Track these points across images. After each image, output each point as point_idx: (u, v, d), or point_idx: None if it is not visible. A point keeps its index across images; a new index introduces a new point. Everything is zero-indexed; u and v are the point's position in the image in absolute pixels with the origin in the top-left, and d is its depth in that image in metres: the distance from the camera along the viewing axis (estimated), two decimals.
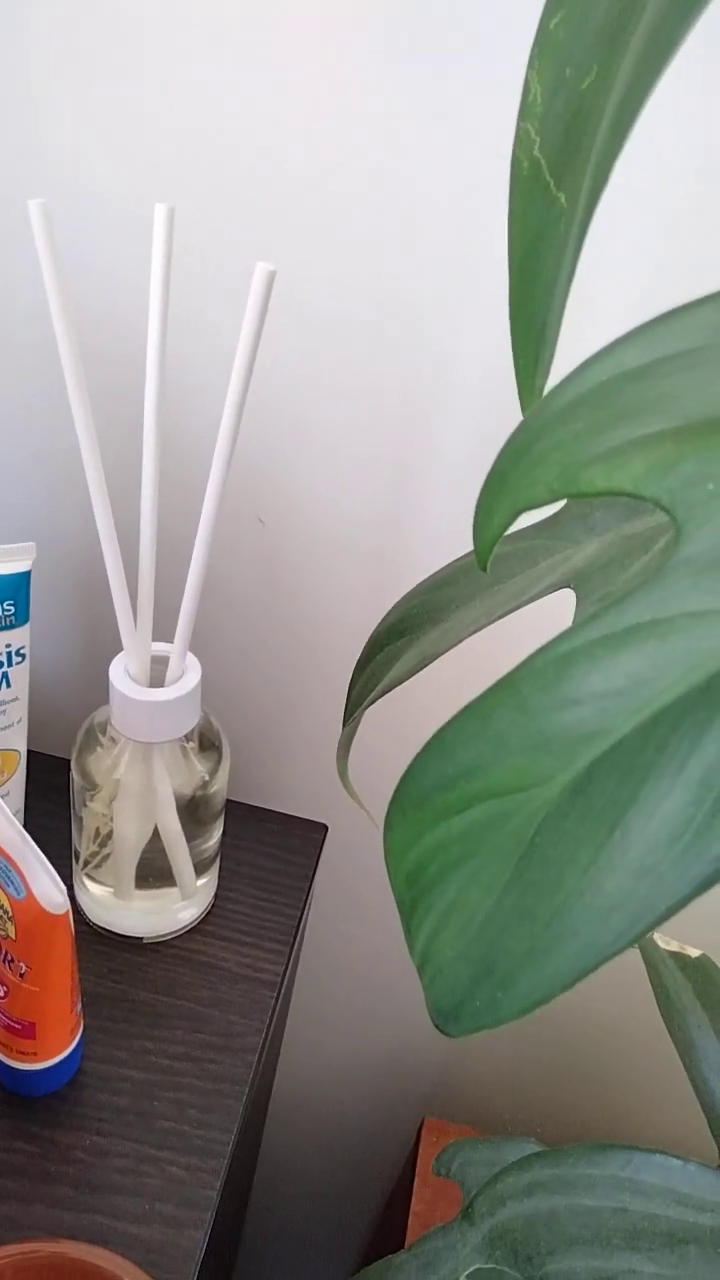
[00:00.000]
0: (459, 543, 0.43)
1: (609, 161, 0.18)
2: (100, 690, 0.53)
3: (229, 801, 0.52)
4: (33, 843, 0.31)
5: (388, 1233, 0.72)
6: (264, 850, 0.49)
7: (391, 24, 0.33)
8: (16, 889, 0.31)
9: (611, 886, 0.14)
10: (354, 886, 0.59)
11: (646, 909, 0.14)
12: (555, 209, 0.21)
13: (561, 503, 0.33)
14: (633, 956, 0.45)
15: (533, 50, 0.20)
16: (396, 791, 0.20)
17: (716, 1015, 0.43)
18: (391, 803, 0.20)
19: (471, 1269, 0.25)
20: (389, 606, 0.35)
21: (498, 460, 0.18)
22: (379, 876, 0.57)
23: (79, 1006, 0.36)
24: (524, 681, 0.16)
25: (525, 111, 0.21)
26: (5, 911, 0.32)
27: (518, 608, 0.31)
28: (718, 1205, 0.23)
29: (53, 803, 0.49)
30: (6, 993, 0.33)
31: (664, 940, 0.47)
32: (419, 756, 0.19)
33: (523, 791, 0.17)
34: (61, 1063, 0.36)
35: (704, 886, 0.13)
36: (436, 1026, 0.19)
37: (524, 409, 0.24)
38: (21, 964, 0.32)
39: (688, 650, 0.14)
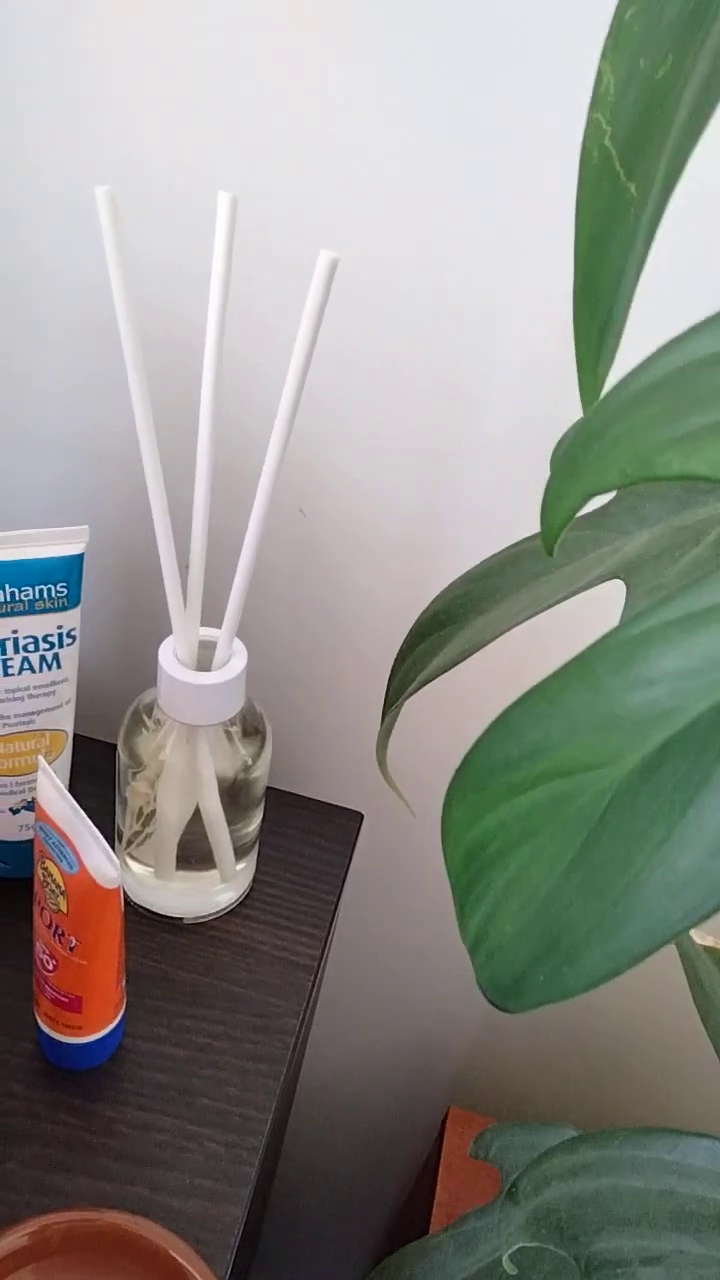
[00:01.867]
0: (499, 532, 0.43)
1: (685, 152, 0.18)
2: (137, 676, 0.54)
3: (268, 788, 0.53)
4: (86, 817, 0.31)
5: (408, 1222, 0.73)
6: (302, 837, 0.50)
7: (444, 31, 0.33)
8: (69, 863, 0.31)
9: (684, 864, 0.15)
10: (381, 876, 0.59)
11: (719, 887, 0.14)
12: (625, 199, 0.21)
13: (611, 494, 0.33)
14: (664, 950, 0.45)
15: (606, 41, 0.20)
16: (458, 772, 0.20)
17: None
18: (452, 783, 0.20)
19: (515, 1247, 0.25)
20: (429, 596, 0.35)
21: (569, 445, 0.18)
22: (408, 866, 0.58)
23: (124, 982, 0.37)
24: (597, 662, 0.17)
25: (597, 102, 0.21)
26: (58, 886, 0.32)
27: (566, 598, 0.31)
28: None
29: (93, 784, 0.49)
30: (56, 966, 0.34)
31: (699, 935, 0.47)
32: (483, 737, 0.19)
33: (592, 770, 0.17)
34: (105, 1037, 0.37)
35: None
36: (493, 1003, 0.20)
37: (584, 398, 0.25)
38: (72, 938, 0.33)
39: None
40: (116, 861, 0.31)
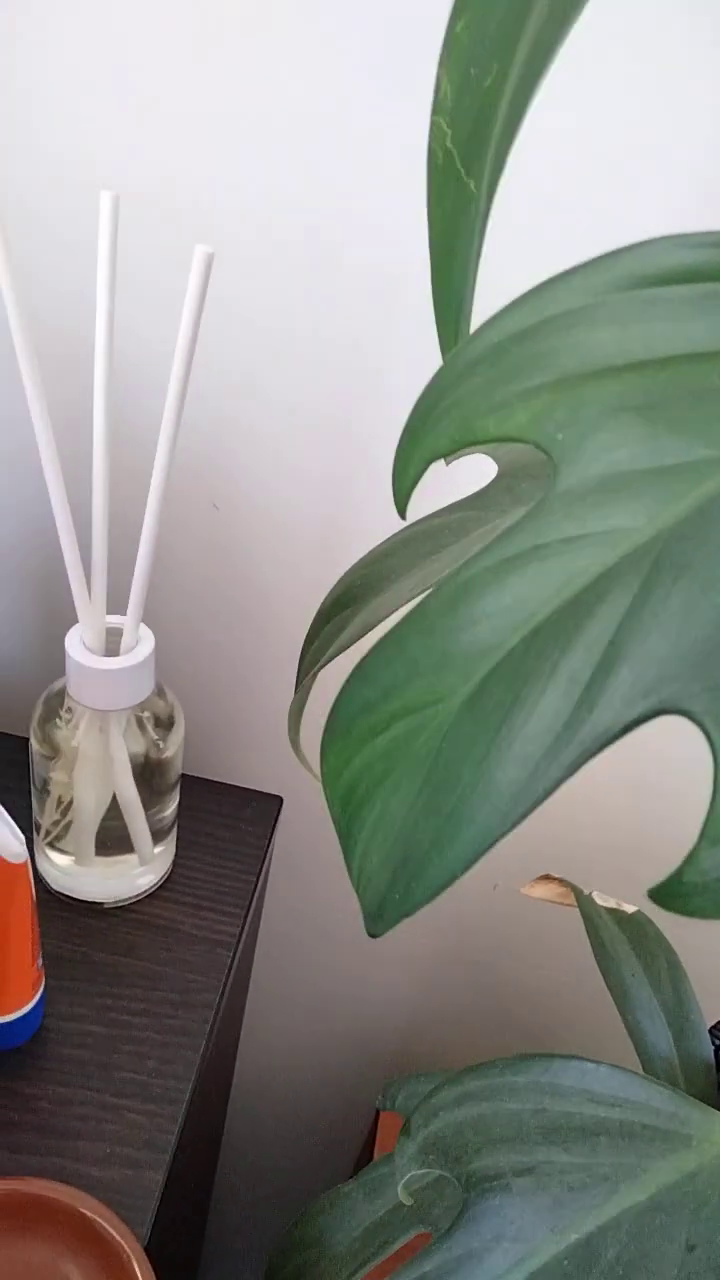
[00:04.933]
0: (402, 522, 0.45)
1: (505, 151, 0.20)
2: (51, 672, 0.55)
3: (189, 776, 0.54)
4: None
5: None
6: (221, 821, 0.51)
7: (332, 21, 0.35)
8: None
9: (500, 776, 0.16)
10: (307, 860, 0.60)
11: (527, 792, 0.16)
12: (466, 195, 0.23)
13: (492, 475, 0.36)
14: (578, 919, 0.47)
15: (442, 51, 0.22)
16: (328, 721, 0.22)
17: (649, 965, 0.45)
18: (324, 733, 0.22)
19: (407, 1175, 0.27)
20: None
21: (410, 417, 0.20)
22: (332, 847, 0.59)
23: (40, 962, 0.38)
24: (430, 608, 0.18)
25: (437, 107, 0.23)
26: None
27: None
28: (625, 1101, 0.26)
29: (10, 779, 0.50)
30: None
31: (602, 897, 0.49)
32: (345, 685, 0.21)
33: (432, 706, 0.19)
34: (24, 1017, 0.38)
35: (573, 769, 0.16)
36: (369, 933, 0.21)
37: None
38: None
39: (562, 570, 0.16)
40: (21, 836, 0.32)
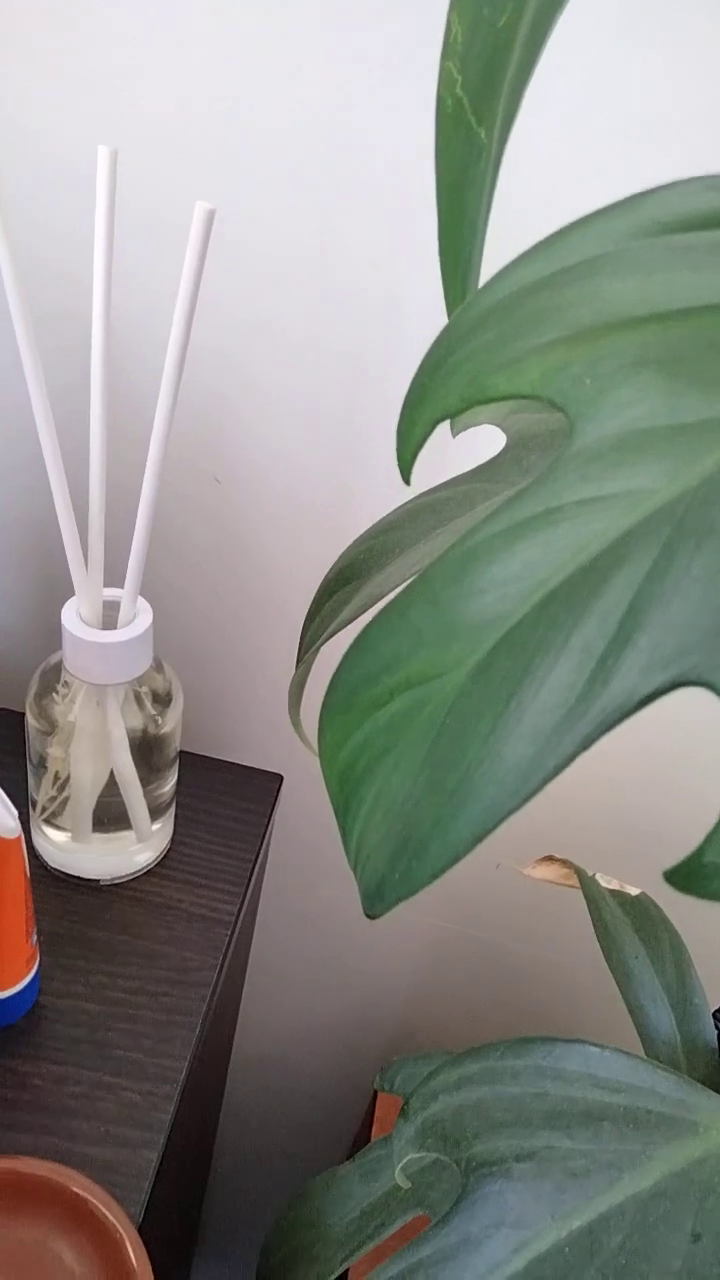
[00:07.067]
0: (408, 494, 0.44)
1: (518, 96, 0.19)
2: (48, 646, 0.54)
3: (187, 753, 0.53)
4: None
5: None
6: (220, 799, 0.51)
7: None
8: None
9: (508, 751, 0.16)
10: (307, 839, 0.60)
11: (537, 768, 0.15)
12: (477, 145, 0.22)
13: (500, 446, 0.35)
14: (580, 900, 0.47)
15: None
16: (327, 695, 0.21)
17: (652, 948, 0.45)
18: (323, 707, 0.21)
19: (405, 1159, 0.26)
20: None
21: (417, 374, 0.19)
22: (332, 826, 0.59)
23: (35, 939, 0.37)
24: (435, 576, 0.18)
25: (447, 51, 0.22)
26: None
27: None
28: (630, 1086, 0.25)
29: (2, 752, 0.50)
30: None
31: (605, 879, 0.49)
32: (345, 656, 0.20)
33: (437, 679, 0.18)
34: (18, 994, 0.37)
35: (586, 744, 0.15)
36: (366, 914, 0.21)
37: None
38: None
39: (576, 535, 0.15)
40: (14, 811, 0.31)
